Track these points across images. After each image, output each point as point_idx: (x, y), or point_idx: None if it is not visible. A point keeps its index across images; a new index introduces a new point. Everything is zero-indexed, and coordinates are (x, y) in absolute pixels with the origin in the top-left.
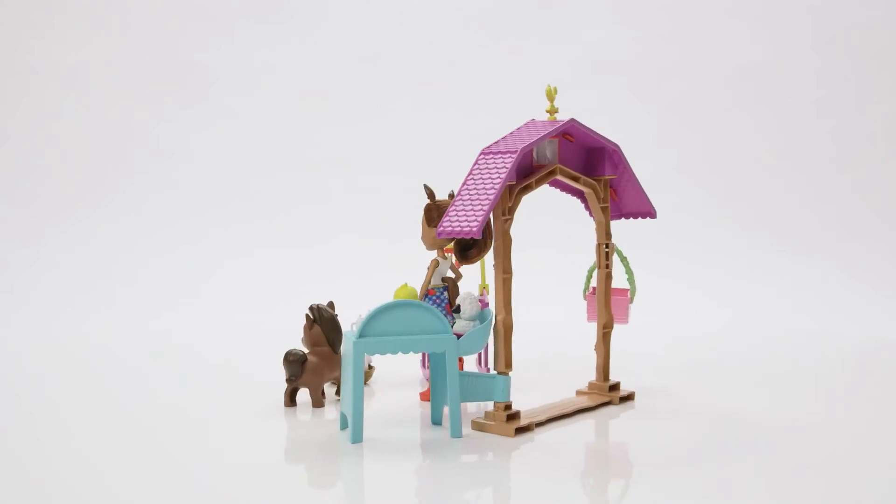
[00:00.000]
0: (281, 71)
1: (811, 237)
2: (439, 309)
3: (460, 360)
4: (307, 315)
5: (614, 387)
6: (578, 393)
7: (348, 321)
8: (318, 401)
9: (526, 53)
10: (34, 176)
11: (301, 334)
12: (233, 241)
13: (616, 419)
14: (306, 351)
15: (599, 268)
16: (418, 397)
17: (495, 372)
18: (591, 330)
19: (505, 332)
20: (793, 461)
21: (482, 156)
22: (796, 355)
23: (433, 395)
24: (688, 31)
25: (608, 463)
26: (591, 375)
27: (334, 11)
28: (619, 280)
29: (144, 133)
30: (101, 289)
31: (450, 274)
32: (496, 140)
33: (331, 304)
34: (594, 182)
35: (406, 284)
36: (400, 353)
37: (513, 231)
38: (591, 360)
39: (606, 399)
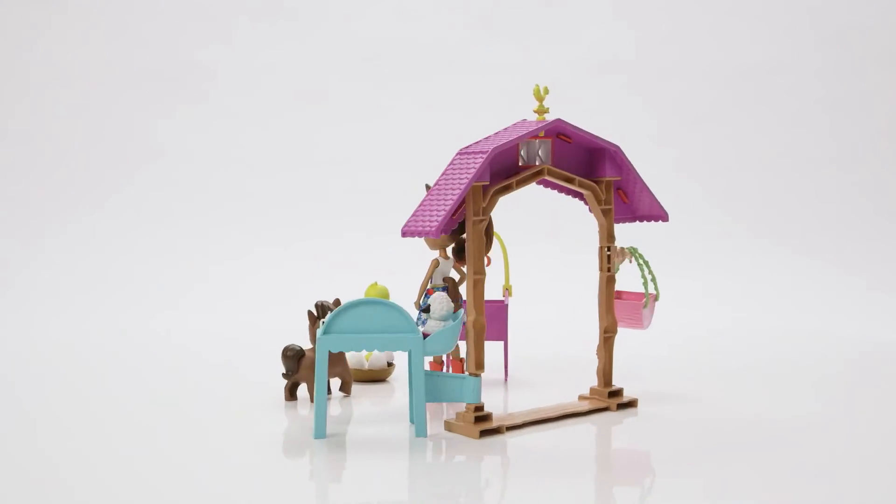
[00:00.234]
0: (281, 71)
1: (811, 237)
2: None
3: (460, 360)
4: (310, 312)
5: (615, 393)
6: (581, 398)
7: None
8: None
9: (526, 53)
10: (34, 175)
11: (306, 332)
12: (232, 241)
13: (602, 425)
14: (310, 346)
15: (601, 270)
16: None
17: (466, 374)
18: (627, 336)
19: (476, 334)
20: (793, 463)
21: (458, 155)
22: (797, 355)
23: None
24: (688, 31)
25: (563, 469)
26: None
27: (334, 11)
28: (636, 284)
29: (144, 132)
30: (100, 288)
31: (453, 274)
32: (479, 140)
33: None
34: (593, 184)
35: (376, 283)
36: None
37: (539, 230)
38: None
39: (604, 405)
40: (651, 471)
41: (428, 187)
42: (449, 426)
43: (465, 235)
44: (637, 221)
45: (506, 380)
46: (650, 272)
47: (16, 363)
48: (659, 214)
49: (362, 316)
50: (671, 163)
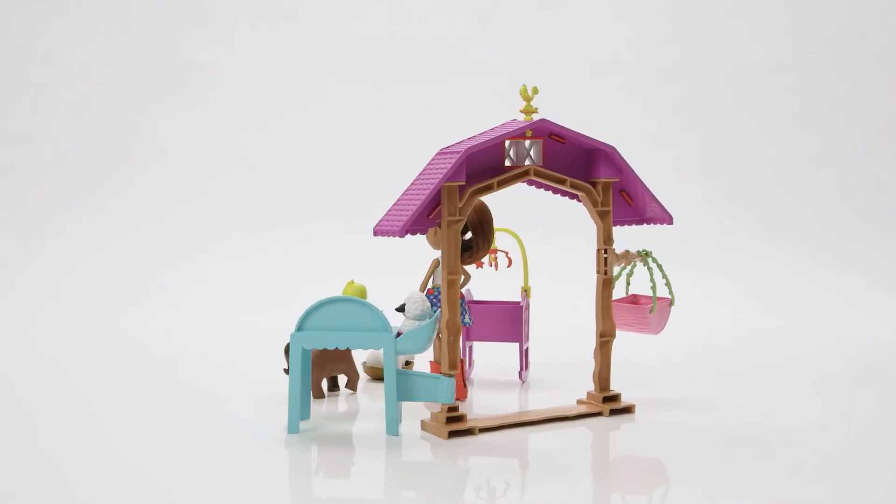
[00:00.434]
0: (281, 71)
1: (811, 237)
2: (435, 308)
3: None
4: None
5: (612, 398)
6: (579, 402)
7: None
8: (317, 392)
9: (526, 53)
10: (34, 175)
11: None
12: (232, 241)
13: (585, 429)
14: None
15: (598, 273)
16: None
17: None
18: (627, 336)
19: (449, 334)
20: (793, 465)
21: (437, 155)
22: (797, 355)
23: None
24: (688, 31)
25: (516, 473)
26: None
27: (334, 11)
28: (646, 288)
29: (144, 132)
30: (100, 288)
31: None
32: (463, 139)
33: None
34: (588, 185)
35: (353, 281)
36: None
37: (549, 230)
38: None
39: (597, 410)
40: (610, 477)
41: None
42: (424, 426)
43: (466, 237)
44: (645, 224)
45: (522, 382)
46: (664, 276)
47: (16, 363)
48: (660, 217)
49: (336, 313)
50: (671, 163)
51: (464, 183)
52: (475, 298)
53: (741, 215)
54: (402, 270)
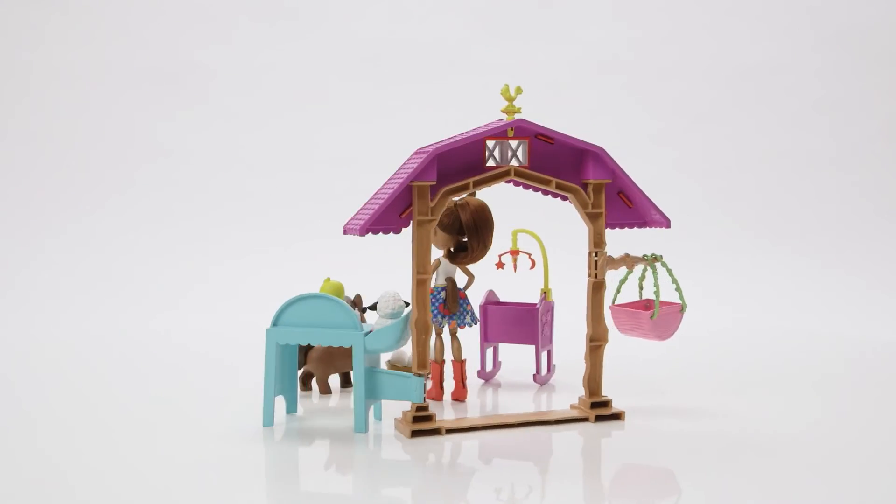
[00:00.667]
0: (281, 71)
1: (811, 237)
2: (434, 307)
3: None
4: None
5: (601, 404)
6: (572, 406)
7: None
8: (323, 388)
9: (526, 53)
10: (34, 175)
11: None
12: (232, 241)
13: (560, 434)
14: None
15: (589, 276)
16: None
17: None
18: (627, 337)
19: (419, 333)
20: (793, 466)
21: (413, 154)
22: (797, 356)
23: None
24: (688, 31)
25: (464, 476)
26: (618, 385)
27: (334, 11)
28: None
29: (144, 132)
30: (100, 288)
31: (461, 275)
32: (443, 139)
33: (358, 298)
34: (576, 187)
35: (329, 279)
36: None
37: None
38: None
39: (583, 415)
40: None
41: None
42: (396, 424)
43: (465, 238)
44: (647, 227)
45: (541, 385)
46: (674, 282)
47: (16, 363)
48: (657, 220)
49: (308, 310)
50: (671, 163)
51: (434, 182)
52: (500, 300)
53: (741, 215)
54: (402, 270)
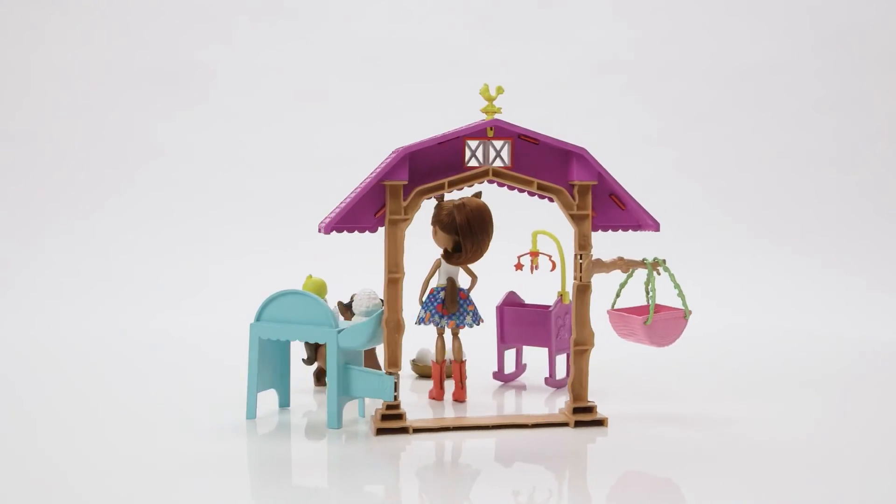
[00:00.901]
0: (281, 71)
1: (811, 237)
2: (432, 307)
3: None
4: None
5: (586, 409)
6: (560, 411)
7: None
8: None
9: (526, 53)
10: (34, 175)
11: None
12: (232, 241)
13: (524, 438)
14: None
15: (575, 279)
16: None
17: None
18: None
19: (389, 331)
20: (794, 467)
21: (391, 153)
22: (797, 356)
23: None
24: (688, 31)
25: (408, 476)
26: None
27: (334, 11)
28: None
29: (144, 132)
30: (100, 288)
31: (463, 275)
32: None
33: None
34: (559, 188)
35: (311, 276)
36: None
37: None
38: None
39: (563, 420)
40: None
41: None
42: (371, 422)
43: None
44: (641, 230)
45: (555, 388)
46: (676, 287)
47: (16, 363)
48: (647, 223)
49: (288, 306)
50: (671, 163)
51: (406, 182)
52: (524, 302)
53: (741, 215)
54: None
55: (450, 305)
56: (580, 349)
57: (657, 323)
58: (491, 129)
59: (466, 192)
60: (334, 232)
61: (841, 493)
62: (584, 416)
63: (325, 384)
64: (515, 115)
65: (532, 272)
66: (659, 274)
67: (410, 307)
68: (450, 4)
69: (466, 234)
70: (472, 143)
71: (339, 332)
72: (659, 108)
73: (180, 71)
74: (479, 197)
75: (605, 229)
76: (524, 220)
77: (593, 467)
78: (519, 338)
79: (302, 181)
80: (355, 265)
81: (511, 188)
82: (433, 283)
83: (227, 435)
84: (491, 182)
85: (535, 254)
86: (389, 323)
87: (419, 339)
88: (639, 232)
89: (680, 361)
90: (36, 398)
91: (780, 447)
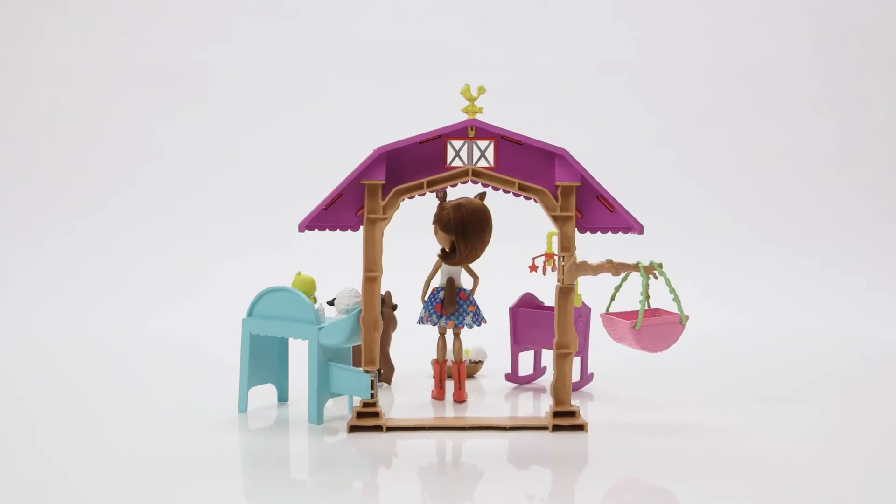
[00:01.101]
0: (281, 71)
1: (811, 237)
2: (431, 307)
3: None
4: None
5: (567, 413)
6: (547, 415)
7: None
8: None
9: (526, 53)
10: (34, 175)
11: None
12: (233, 240)
13: (500, 441)
14: None
15: (557, 281)
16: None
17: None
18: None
19: (367, 330)
20: (794, 467)
21: (372, 152)
22: (797, 356)
23: None
24: (688, 31)
25: (369, 475)
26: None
27: (334, 11)
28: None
29: (144, 132)
30: (100, 288)
31: (466, 276)
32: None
33: (388, 295)
34: (541, 189)
35: (300, 273)
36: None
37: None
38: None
39: (542, 424)
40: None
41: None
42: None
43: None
44: (630, 233)
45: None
46: (671, 291)
47: (16, 363)
48: (631, 225)
49: (276, 302)
50: (671, 163)
51: (384, 181)
52: (542, 304)
53: (741, 215)
54: (402, 270)
55: (448, 305)
56: (562, 352)
57: (646, 328)
58: (472, 128)
59: (470, 193)
60: (316, 230)
61: (841, 493)
62: (564, 420)
63: (386, 381)
64: (516, 114)
65: (544, 274)
66: (656, 278)
67: (413, 306)
68: (450, 4)
69: (461, 234)
70: (457, 143)
71: (320, 329)
72: (659, 108)
73: (180, 71)
74: (483, 199)
75: (593, 231)
76: (540, 222)
77: (560, 473)
78: (531, 340)
79: (302, 181)
80: (355, 265)
81: (496, 189)
82: (435, 283)
83: (217, 429)
84: (475, 182)
85: (549, 255)
86: (367, 321)
87: (419, 340)
88: (628, 234)
89: (680, 362)
90: (36, 398)
91: (780, 447)
